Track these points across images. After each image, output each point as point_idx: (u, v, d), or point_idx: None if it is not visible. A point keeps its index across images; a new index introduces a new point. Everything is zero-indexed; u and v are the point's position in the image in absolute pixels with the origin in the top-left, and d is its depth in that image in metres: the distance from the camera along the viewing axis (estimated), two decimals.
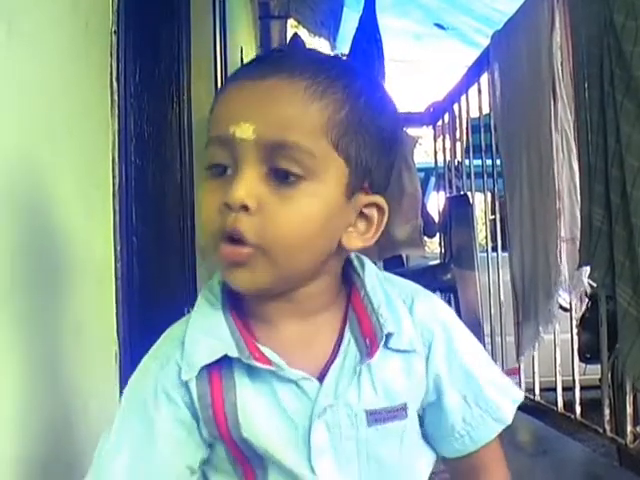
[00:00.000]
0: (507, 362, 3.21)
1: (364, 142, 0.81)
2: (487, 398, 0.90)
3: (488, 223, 5.06)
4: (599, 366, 2.44)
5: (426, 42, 5.42)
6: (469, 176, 3.83)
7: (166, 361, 0.85)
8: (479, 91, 3.38)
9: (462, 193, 3.99)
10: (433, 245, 5.32)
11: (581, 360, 2.75)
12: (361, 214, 0.84)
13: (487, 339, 3.36)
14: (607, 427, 2.35)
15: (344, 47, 5.31)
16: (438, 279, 3.54)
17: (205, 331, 0.84)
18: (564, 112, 2.37)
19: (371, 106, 0.82)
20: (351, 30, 4.63)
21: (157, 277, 2.01)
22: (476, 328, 3.10)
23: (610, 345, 2.29)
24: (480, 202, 4.00)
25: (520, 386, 3.02)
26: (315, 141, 0.78)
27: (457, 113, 3.86)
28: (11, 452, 1.03)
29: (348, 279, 0.89)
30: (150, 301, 1.83)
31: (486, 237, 5.40)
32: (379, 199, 0.84)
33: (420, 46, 5.53)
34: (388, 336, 0.84)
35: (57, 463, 1.19)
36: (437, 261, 4.01)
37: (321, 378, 0.83)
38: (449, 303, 3.56)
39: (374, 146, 0.82)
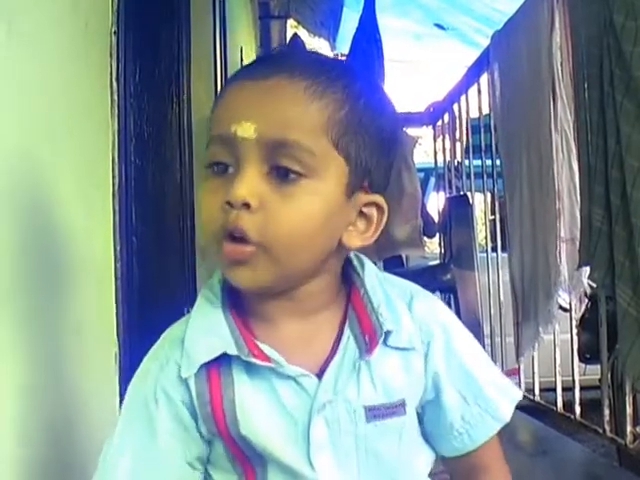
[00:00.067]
0: (507, 362, 3.21)
1: (364, 142, 0.82)
2: (486, 397, 0.91)
3: (488, 223, 5.07)
4: (599, 366, 2.44)
5: (426, 42, 5.42)
6: (469, 176, 3.83)
7: (165, 362, 0.86)
8: (479, 91, 3.38)
9: (462, 193, 3.99)
10: (433, 245, 5.32)
11: (581, 360, 2.75)
12: (361, 213, 0.85)
13: (487, 339, 3.36)
14: (607, 427, 2.35)
15: (344, 47, 5.31)
16: (438, 279, 3.54)
17: (205, 330, 0.85)
18: (564, 112, 2.37)
19: (370, 107, 0.84)
20: (351, 30, 4.62)
21: (157, 277, 2.01)
22: (476, 328, 3.10)
23: (610, 345, 2.29)
24: (480, 202, 4.00)
25: (520, 386, 3.02)
26: (315, 140, 0.79)
27: (457, 113, 3.86)
28: (12, 452, 1.03)
29: (348, 279, 0.90)
30: (150, 301, 1.83)
31: (486, 237, 5.40)
32: (378, 198, 0.85)
33: (420, 46, 5.53)
34: (387, 334, 0.85)
35: (57, 463, 1.19)
36: (437, 261, 4.01)
37: (320, 375, 0.84)
38: (449, 303, 3.56)
39: (373, 146, 0.83)
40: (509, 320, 2.98)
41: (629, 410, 2.21)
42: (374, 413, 0.85)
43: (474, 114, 3.61)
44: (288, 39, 5.22)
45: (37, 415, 1.12)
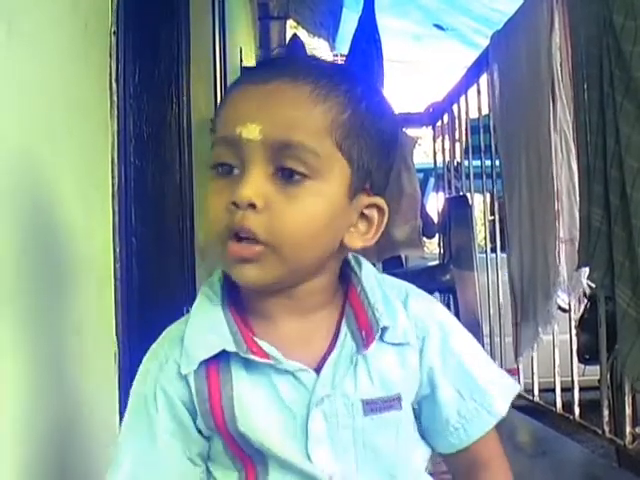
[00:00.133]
0: (506, 363, 3.21)
1: (365, 144, 0.84)
2: (482, 392, 0.92)
3: (487, 224, 5.07)
4: (598, 367, 2.44)
5: (425, 43, 5.42)
6: (468, 177, 3.83)
7: (165, 361, 0.88)
8: (478, 92, 3.38)
9: (461, 194, 3.99)
10: (432, 246, 5.31)
11: (580, 361, 2.76)
12: (362, 215, 0.87)
13: (486, 340, 3.36)
14: (606, 428, 2.35)
15: (343, 48, 5.32)
16: (437, 280, 3.54)
17: (204, 327, 0.87)
18: (563, 113, 2.37)
19: (372, 110, 0.85)
20: (350, 31, 4.63)
21: (156, 278, 2.01)
22: (475, 329, 3.10)
23: (609, 346, 2.29)
24: (479, 203, 3.99)
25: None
26: (319, 141, 0.81)
27: (456, 114, 3.86)
28: (12, 451, 1.03)
29: (345, 278, 0.92)
30: (149, 301, 1.83)
31: (485, 238, 5.40)
32: (380, 200, 0.87)
33: (419, 47, 5.54)
34: (384, 329, 0.87)
35: (57, 462, 1.19)
36: (436, 262, 4.01)
37: (318, 370, 0.86)
38: (448, 304, 3.56)
39: (375, 148, 0.85)
40: (508, 320, 2.99)
41: (628, 411, 2.21)
42: (371, 407, 0.87)
43: (473, 114, 3.61)
44: (287, 40, 5.22)
45: (37, 415, 1.12)
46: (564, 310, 2.61)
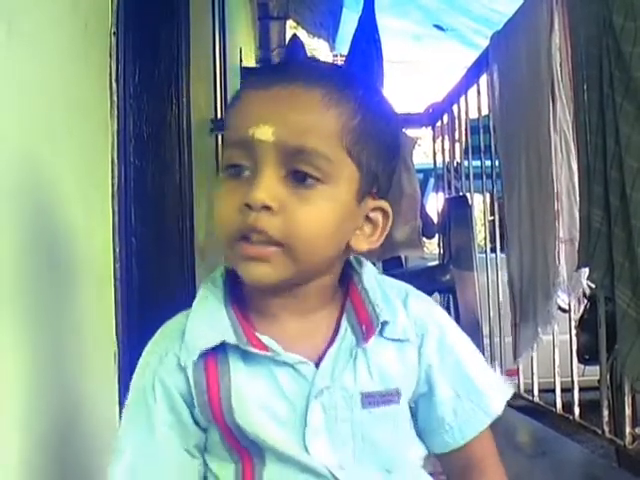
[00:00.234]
0: (506, 363, 3.21)
1: (373, 149, 0.86)
2: (478, 391, 0.94)
3: (487, 224, 5.06)
4: (598, 367, 2.43)
5: (425, 43, 5.42)
6: (468, 177, 3.82)
7: (165, 354, 0.89)
8: (478, 92, 3.38)
9: (461, 194, 3.98)
10: (432, 246, 5.31)
11: (580, 361, 2.75)
12: (367, 218, 0.89)
13: (486, 340, 3.36)
14: (606, 428, 2.35)
15: (343, 48, 5.31)
16: (437, 280, 3.54)
17: (205, 320, 0.88)
18: (563, 113, 2.37)
19: (379, 115, 0.88)
20: (350, 31, 4.62)
21: (156, 278, 2.01)
22: (475, 329, 3.09)
23: (609, 346, 2.29)
24: (479, 203, 3.99)
25: (519, 387, 3.02)
26: (331, 147, 0.82)
27: (456, 114, 3.86)
28: (14, 451, 1.03)
29: (346, 278, 0.93)
30: (149, 302, 1.83)
31: (485, 238, 5.40)
32: (385, 204, 0.90)
33: (419, 47, 5.54)
34: (383, 324, 0.89)
35: (57, 461, 1.19)
36: (436, 262, 4.00)
37: (318, 363, 0.87)
38: (448, 304, 3.56)
39: (381, 153, 0.88)
40: (508, 320, 2.98)
41: (628, 411, 2.20)
42: (370, 400, 0.88)
43: (473, 115, 3.61)
44: (287, 40, 5.22)
45: (37, 414, 1.12)
46: (564, 310, 2.61)
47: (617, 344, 2.00)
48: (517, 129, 2.74)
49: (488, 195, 3.81)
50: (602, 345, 2.31)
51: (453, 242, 3.61)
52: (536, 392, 2.94)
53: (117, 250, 1.56)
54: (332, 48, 5.91)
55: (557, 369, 2.75)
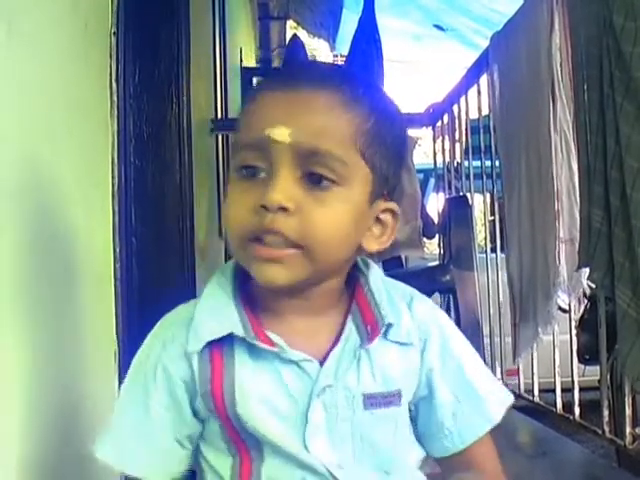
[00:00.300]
0: (506, 363, 3.21)
1: (385, 152, 0.87)
2: (478, 397, 0.95)
3: (487, 224, 5.06)
4: (598, 367, 2.43)
5: (425, 43, 5.42)
6: (468, 177, 3.82)
7: (171, 340, 0.89)
8: (478, 92, 3.37)
9: (461, 194, 3.98)
10: (432, 246, 5.31)
11: (580, 361, 2.75)
12: (376, 219, 0.90)
13: (486, 340, 3.35)
14: (606, 428, 2.35)
15: (343, 48, 5.31)
16: (437, 280, 3.54)
17: (214, 311, 0.89)
18: (563, 113, 2.37)
19: (390, 119, 0.89)
20: (350, 31, 4.63)
21: (156, 278, 2.01)
22: (475, 329, 3.09)
23: (609, 346, 2.29)
24: (479, 203, 3.99)
25: (519, 387, 3.02)
26: (346, 150, 0.83)
27: (456, 114, 3.86)
28: (15, 451, 1.03)
29: (352, 280, 0.94)
30: (149, 301, 1.83)
31: (485, 238, 5.40)
32: (394, 205, 0.91)
33: (419, 47, 5.54)
34: (389, 326, 0.89)
35: (57, 460, 1.19)
36: (436, 262, 4.00)
37: (322, 362, 0.88)
38: (448, 304, 3.55)
39: (391, 156, 0.89)
40: (508, 320, 2.98)
41: (628, 411, 2.20)
42: (371, 401, 0.89)
43: (473, 115, 3.61)
44: (288, 40, 5.22)
45: (37, 414, 1.12)
46: (564, 310, 2.61)
47: (617, 344, 2.00)
48: (517, 129, 2.74)
49: (488, 195, 3.81)
50: (602, 345, 2.31)
51: (453, 242, 3.60)
52: (536, 392, 2.94)
53: (117, 250, 1.56)
54: (332, 48, 5.92)
55: (557, 369, 2.75)
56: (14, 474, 1.03)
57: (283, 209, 0.81)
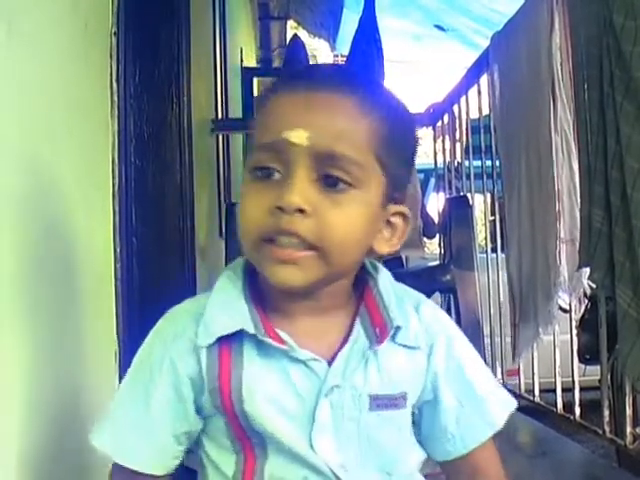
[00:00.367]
0: (506, 363, 3.21)
1: (398, 156, 0.88)
2: (481, 402, 0.96)
3: (488, 224, 5.06)
4: (599, 367, 2.43)
5: (426, 43, 5.42)
6: (469, 177, 3.82)
7: (181, 333, 0.89)
8: (479, 92, 3.37)
9: (462, 194, 3.98)
10: (433, 246, 5.31)
11: (580, 361, 2.75)
12: (387, 222, 0.91)
13: (486, 340, 3.35)
14: (606, 428, 2.35)
15: (344, 48, 5.32)
16: (437, 280, 3.53)
17: (225, 307, 0.89)
18: (564, 113, 2.37)
19: (404, 125, 0.91)
20: (351, 31, 4.63)
21: (157, 277, 2.01)
22: (476, 329, 3.09)
23: (610, 346, 2.28)
24: (480, 203, 3.99)
25: (520, 387, 3.02)
26: (362, 153, 0.84)
27: (457, 114, 3.86)
28: (15, 450, 1.03)
29: (360, 282, 0.95)
30: (150, 301, 1.83)
31: (486, 238, 5.40)
32: (405, 209, 0.92)
33: (420, 47, 5.54)
34: (397, 329, 0.90)
35: (57, 461, 1.19)
36: (436, 262, 4.00)
37: (331, 362, 0.88)
38: (449, 304, 3.55)
39: (404, 160, 0.90)
40: (509, 320, 2.98)
41: (629, 411, 2.20)
42: (377, 403, 0.89)
43: (474, 115, 3.61)
44: (288, 40, 5.22)
45: (37, 414, 1.12)
46: (565, 310, 2.61)
47: (618, 344, 2.00)
48: (518, 129, 2.74)
49: (489, 195, 3.81)
50: (603, 345, 2.31)
51: (454, 242, 3.60)
52: (537, 392, 2.94)
53: (118, 250, 1.56)
54: (333, 48, 5.92)
55: (558, 369, 2.75)
56: (14, 474, 1.03)
57: (300, 211, 0.81)
